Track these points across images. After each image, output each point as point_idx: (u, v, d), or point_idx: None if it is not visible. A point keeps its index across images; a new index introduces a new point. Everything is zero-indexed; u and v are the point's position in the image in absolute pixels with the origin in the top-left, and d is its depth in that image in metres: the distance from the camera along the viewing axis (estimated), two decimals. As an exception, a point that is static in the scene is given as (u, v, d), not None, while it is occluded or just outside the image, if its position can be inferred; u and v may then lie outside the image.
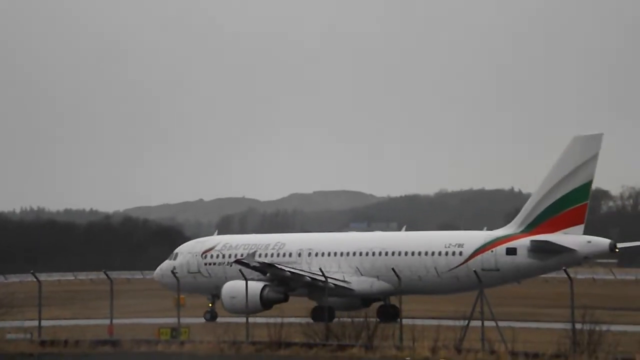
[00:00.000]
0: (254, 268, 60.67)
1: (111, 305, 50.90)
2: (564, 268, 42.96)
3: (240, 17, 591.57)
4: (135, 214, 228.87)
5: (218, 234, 70.39)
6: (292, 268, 61.98)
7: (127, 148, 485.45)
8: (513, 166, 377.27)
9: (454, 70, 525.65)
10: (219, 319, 63.59)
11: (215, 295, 64.27)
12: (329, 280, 58.19)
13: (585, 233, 59.45)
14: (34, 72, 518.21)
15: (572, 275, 40.92)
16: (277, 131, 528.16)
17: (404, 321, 43.45)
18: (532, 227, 59.33)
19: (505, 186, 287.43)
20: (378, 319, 50.46)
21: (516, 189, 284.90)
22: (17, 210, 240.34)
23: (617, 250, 59.82)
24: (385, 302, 62.96)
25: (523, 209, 60.21)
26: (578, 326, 38.67)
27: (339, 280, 61.01)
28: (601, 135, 58.70)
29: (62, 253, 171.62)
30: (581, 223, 58.58)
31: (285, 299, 62.44)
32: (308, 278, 60.80)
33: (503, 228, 61.11)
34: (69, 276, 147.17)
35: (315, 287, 60.90)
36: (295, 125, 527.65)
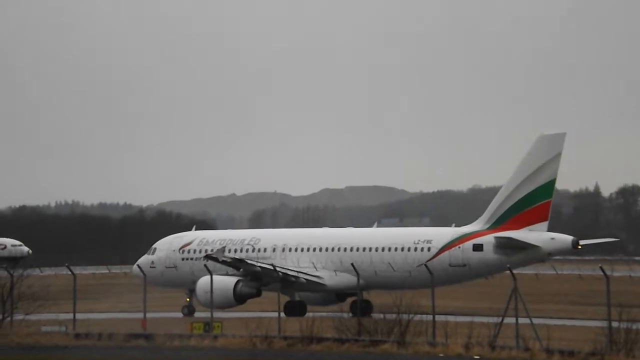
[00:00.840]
0: (225, 263, 61.84)
1: (144, 299, 51.19)
2: (600, 266, 42.67)
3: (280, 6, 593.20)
4: (169, 208, 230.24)
5: (196, 229, 71.39)
6: (263, 263, 63.08)
7: (160, 142, 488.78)
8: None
9: (480, 70, 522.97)
10: (196, 314, 64.73)
11: (193, 290, 65.16)
12: (301, 275, 60.51)
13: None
14: (64, 69, 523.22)
15: (608, 272, 40.45)
16: (310, 126, 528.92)
17: (437, 317, 43.19)
18: (498, 223, 60.80)
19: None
20: (350, 314, 52.89)
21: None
22: (52, 204, 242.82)
23: (579, 247, 61.41)
24: (358, 297, 63.11)
25: (490, 205, 61.70)
26: (614, 324, 38.22)
27: (311, 275, 62.01)
28: (564, 135, 60.52)
29: (96, 246, 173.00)
30: (545, 220, 60.15)
31: (258, 294, 63.67)
32: (279, 273, 61.85)
33: (471, 225, 62.52)
34: (103, 269, 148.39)
35: (287, 282, 62.28)
36: (327, 121, 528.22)
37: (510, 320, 41.05)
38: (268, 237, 66.98)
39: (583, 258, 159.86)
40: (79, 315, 50.02)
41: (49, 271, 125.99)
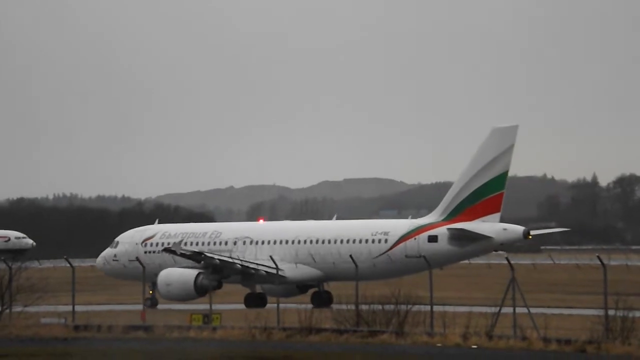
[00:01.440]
0: (183, 255, 62.78)
1: (143, 291, 51.25)
2: (597, 255, 42.87)
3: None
4: (167, 200, 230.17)
5: (159, 222, 72.25)
6: (222, 256, 64.05)
7: (159, 135, 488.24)
8: (544, 153, 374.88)
9: (481, 61, 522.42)
10: (159, 306, 65.42)
11: (155, 282, 65.93)
12: (261, 267, 61.69)
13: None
14: (58, 60, 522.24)
15: (605, 261, 40.62)
16: (308, 118, 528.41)
17: (435, 308, 43.34)
18: (453, 215, 62.30)
19: (538, 173, 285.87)
20: (312, 305, 54.28)
21: (549, 176, 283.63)
22: (50, 197, 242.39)
23: (530, 237, 62.78)
24: (320, 288, 65.12)
25: (445, 197, 63.30)
26: (611, 312, 38.40)
27: (270, 267, 62.84)
28: (516, 127, 61.76)
29: (95, 239, 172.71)
30: (498, 211, 61.69)
31: (219, 286, 64.62)
32: (238, 265, 63.11)
33: (427, 216, 64.20)
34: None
35: (247, 274, 63.55)
36: (325, 112, 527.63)
37: (507, 310, 41.20)
38: (230, 230, 68.12)
39: (580, 247, 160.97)
40: (78, 307, 50.15)
41: (47, 264, 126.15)
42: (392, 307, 43.05)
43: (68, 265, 49.97)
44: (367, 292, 44.11)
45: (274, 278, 62.51)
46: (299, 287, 65.69)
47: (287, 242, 65.19)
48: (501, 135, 61.45)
